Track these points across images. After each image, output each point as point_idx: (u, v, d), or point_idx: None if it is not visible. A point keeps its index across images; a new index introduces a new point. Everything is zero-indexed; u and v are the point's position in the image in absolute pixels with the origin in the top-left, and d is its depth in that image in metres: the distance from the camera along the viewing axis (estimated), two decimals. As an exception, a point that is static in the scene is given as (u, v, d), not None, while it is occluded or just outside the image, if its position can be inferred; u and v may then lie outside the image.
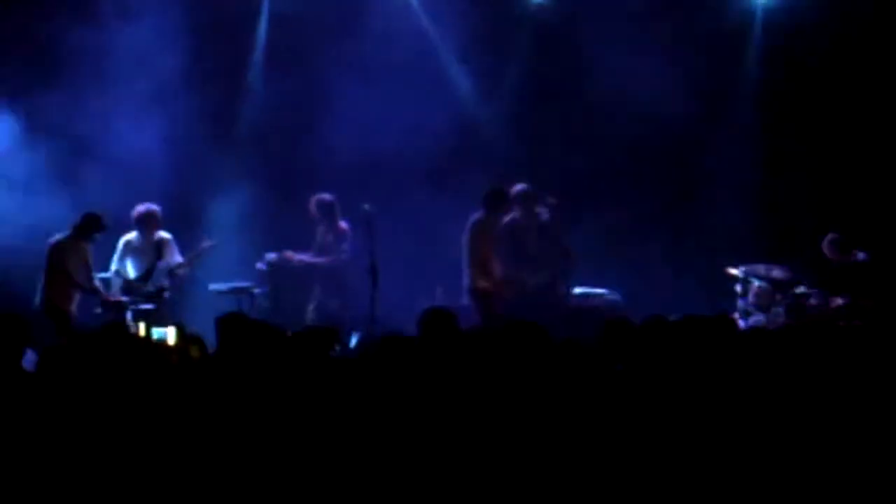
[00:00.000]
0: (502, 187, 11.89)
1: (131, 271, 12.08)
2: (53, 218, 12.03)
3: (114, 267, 12.07)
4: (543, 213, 11.98)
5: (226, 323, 6.22)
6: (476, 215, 11.79)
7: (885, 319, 10.99)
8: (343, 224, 12.44)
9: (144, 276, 12.03)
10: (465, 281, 11.79)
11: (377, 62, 13.33)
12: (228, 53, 13.81)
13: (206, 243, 12.34)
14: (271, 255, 12.55)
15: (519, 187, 11.96)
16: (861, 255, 12.07)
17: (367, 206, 11.60)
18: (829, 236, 12.12)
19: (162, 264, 12.08)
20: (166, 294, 12.06)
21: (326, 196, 12.46)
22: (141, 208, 12.09)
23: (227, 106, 13.83)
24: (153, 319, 10.95)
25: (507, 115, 14.03)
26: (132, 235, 12.13)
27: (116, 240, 12.12)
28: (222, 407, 5.19)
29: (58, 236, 11.64)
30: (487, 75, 14.03)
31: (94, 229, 11.63)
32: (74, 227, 11.60)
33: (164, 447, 4.93)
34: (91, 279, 11.73)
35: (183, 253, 12.25)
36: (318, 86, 13.45)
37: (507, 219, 11.93)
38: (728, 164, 13.72)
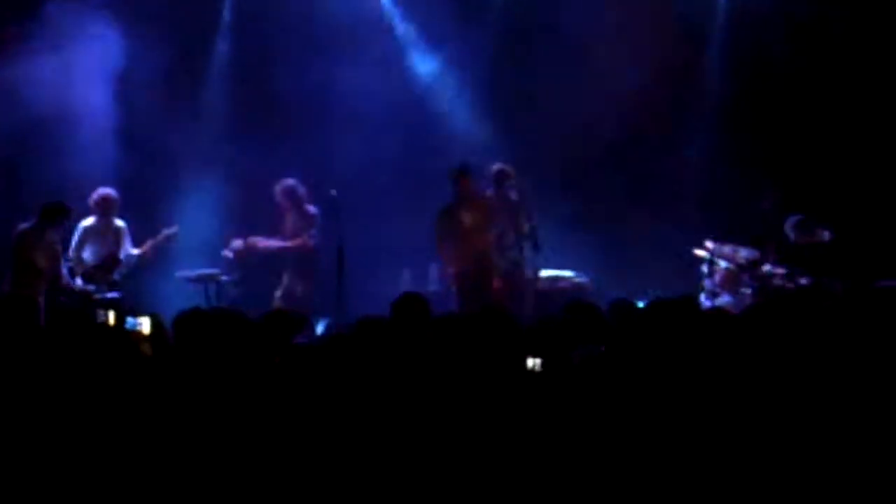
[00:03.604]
0: (455, 168, 11.92)
1: (88, 257, 12.06)
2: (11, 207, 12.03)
3: (72, 253, 12.04)
4: (512, 194, 11.98)
5: (182, 322, 6.16)
6: None
7: (851, 298, 11.04)
8: (311, 208, 12.41)
9: (106, 263, 12.01)
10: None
11: (341, 45, 13.31)
12: (192, 36, 13.77)
13: (167, 230, 12.33)
14: (237, 242, 12.51)
15: (495, 167, 11.99)
16: (825, 235, 12.12)
17: (333, 192, 11.58)
18: (793, 218, 12.16)
19: (123, 253, 12.06)
20: (130, 282, 12.04)
21: (290, 181, 12.44)
22: (99, 193, 12.08)
23: (190, 90, 13.80)
24: (119, 309, 10.92)
25: (474, 98, 14.02)
26: (90, 221, 12.12)
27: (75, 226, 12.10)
28: (185, 399, 5.18)
29: (23, 225, 11.58)
30: (453, 59, 14.00)
31: (57, 216, 11.58)
32: (38, 216, 11.55)
33: (131, 439, 4.92)
34: (58, 268, 11.68)
35: (138, 242, 12.21)
36: (282, 71, 13.41)
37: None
38: (695, 146, 13.76)
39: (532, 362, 5.74)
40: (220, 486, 4.80)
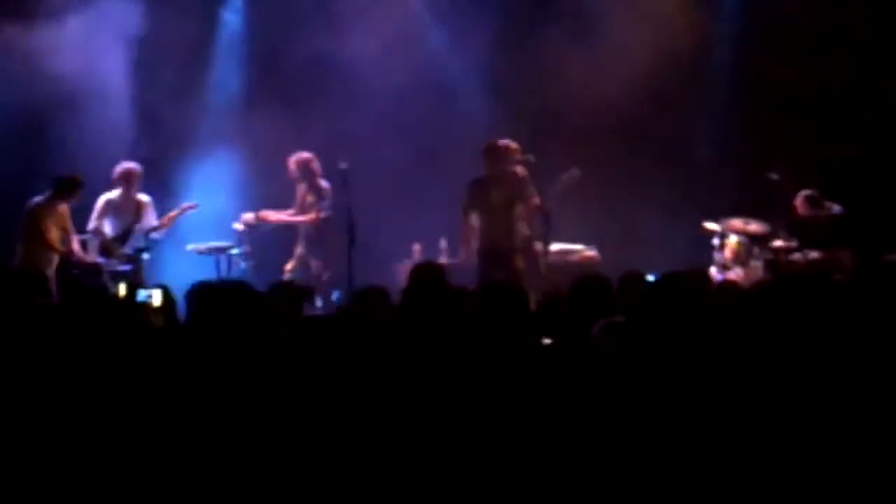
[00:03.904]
0: (487, 144, 11.83)
1: (109, 230, 12.09)
2: (23, 178, 12.05)
3: (92, 225, 12.08)
4: (518, 169, 11.93)
5: (193, 295, 6.17)
6: None
7: (862, 272, 11.03)
8: (324, 182, 12.40)
9: (122, 236, 12.05)
10: None
11: (352, 19, 13.31)
12: (203, 7, 13.78)
13: (185, 204, 12.36)
14: (248, 215, 12.51)
15: (500, 142, 11.91)
16: (836, 209, 12.13)
17: (343, 165, 11.55)
18: (804, 192, 12.17)
19: (140, 227, 12.10)
20: (144, 255, 12.08)
21: (304, 154, 12.41)
22: (122, 166, 12.12)
23: (202, 62, 13.82)
24: (131, 281, 10.95)
25: (484, 72, 13.99)
26: (113, 194, 12.14)
27: (94, 200, 12.12)
28: (196, 374, 5.19)
29: (35, 199, 11.60)
30: (464, 32, 13.95)
31: (69, 190, 11.61)
32: (51, 189, 11.58)
33: (140, 413, 4.93)
34: (69, 242, 11.71)
35: (160, 216, 12.26)
36: (293, 45, 13.43)
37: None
38: (705, 119, 13.75)
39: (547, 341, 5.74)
40: (230, 459, 4.82)
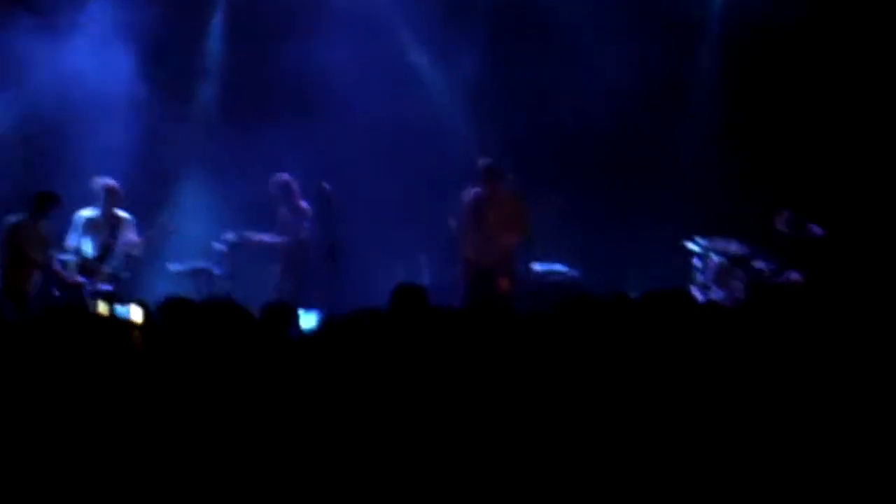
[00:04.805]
0: (487, 167, 11.94)
1: (89, 249, 11.98)
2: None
3: (71, 244, 11.96)
4: (513, 192, 12.02)
5: (167, 309, 6.15)
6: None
7: (842, 293, 11.06)
8: (303, 203, 12.43)
9: (101, 255, 11.95)
10: None
11: (333, 38, 13.32)
12: (188, 33, 13.78)
13: (165, 225, 12.28)
14: (230, 235, 12.51)
15: (482, 162, 12.02)
16: (816, 230, 12.15)
17: (325, 185, 11.58)
18: (783, 213, 12.19)
19: (120, 245, 11.99)
20: (124, 274, 12.00)
21: (283, 175, 12.47)
22: (101, 182, 11.98)
23: (186, 86, 13.81)
24: (111, 300, 10.90)
25: (467, 95, 14.02)
26: (91, 212, 11.97)
27: (71, 216, 12.04)
28: (176, 389, 5.17)
29: (14, 217, 11.52)
30: (448, 55, 14.00)
31: (48, 207, 11.51)
32: (30, 208, 11.50)
33: (121, 431, 4.91)
34: (49, 260, 11.63)
35: (141, 234, 12.16)
36: (277, 66, 13.43)
37: (470, 193, 11.96)
38: (686, 141, 13.80)
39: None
40: (213, 479, 4.80)
